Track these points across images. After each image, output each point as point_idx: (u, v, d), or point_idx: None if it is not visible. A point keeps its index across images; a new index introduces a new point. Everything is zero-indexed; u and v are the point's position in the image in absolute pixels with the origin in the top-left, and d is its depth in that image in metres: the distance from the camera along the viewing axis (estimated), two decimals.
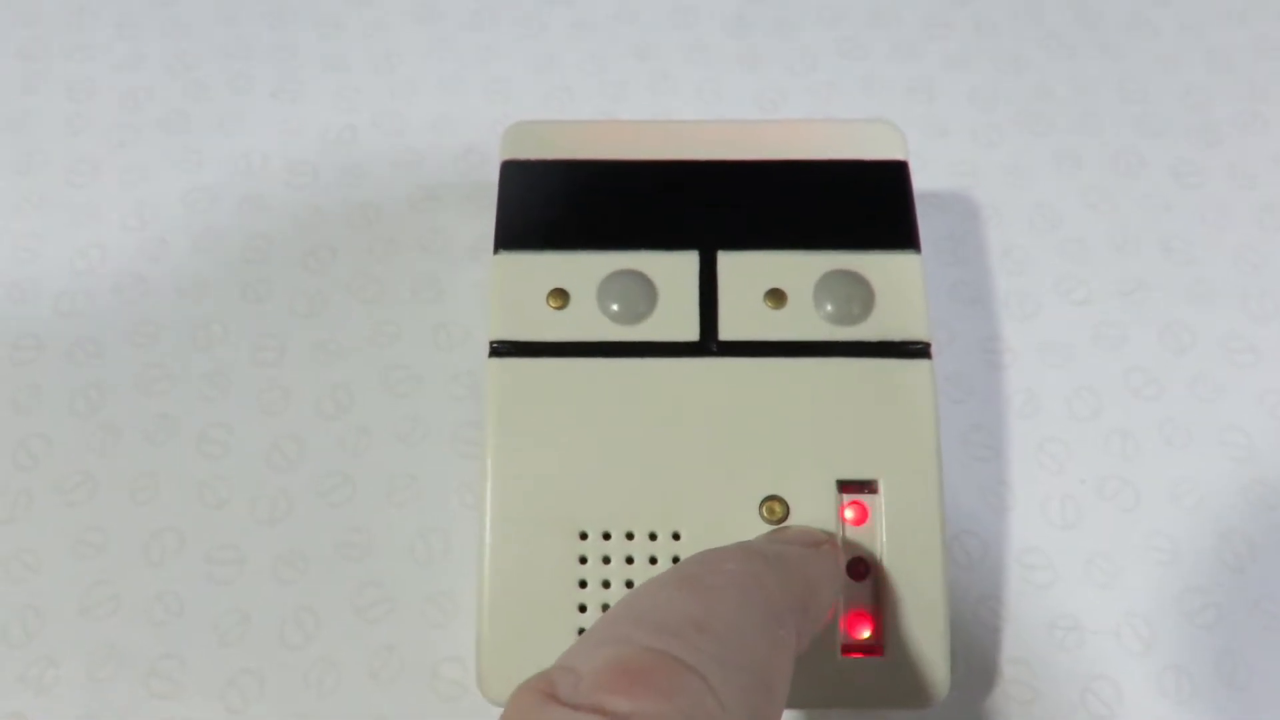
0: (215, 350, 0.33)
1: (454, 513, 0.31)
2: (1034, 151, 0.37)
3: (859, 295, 0.27)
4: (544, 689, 0.18)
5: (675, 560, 0.26)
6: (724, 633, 0.19)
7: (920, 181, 0.36)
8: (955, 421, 0.32)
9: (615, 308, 0.27)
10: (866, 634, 0.26)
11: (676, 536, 0.26)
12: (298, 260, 0.34)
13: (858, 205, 0.28)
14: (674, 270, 0.28)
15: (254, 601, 0.29)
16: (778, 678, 0.20)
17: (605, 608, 0.25)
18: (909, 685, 0.25)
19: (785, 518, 0.26)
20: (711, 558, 0.22)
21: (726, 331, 0.27)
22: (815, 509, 0.26)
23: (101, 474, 0.31)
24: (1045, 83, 0.38)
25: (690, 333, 0.27)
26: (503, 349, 0.27)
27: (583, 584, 0.26)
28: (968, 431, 0.32)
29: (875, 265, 0.28)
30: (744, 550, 0.23)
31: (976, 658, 0.29)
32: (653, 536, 0.26)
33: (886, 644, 0.25)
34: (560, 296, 0.28)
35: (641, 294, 0.27)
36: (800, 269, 0.28)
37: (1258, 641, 0.29)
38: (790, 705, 0.26)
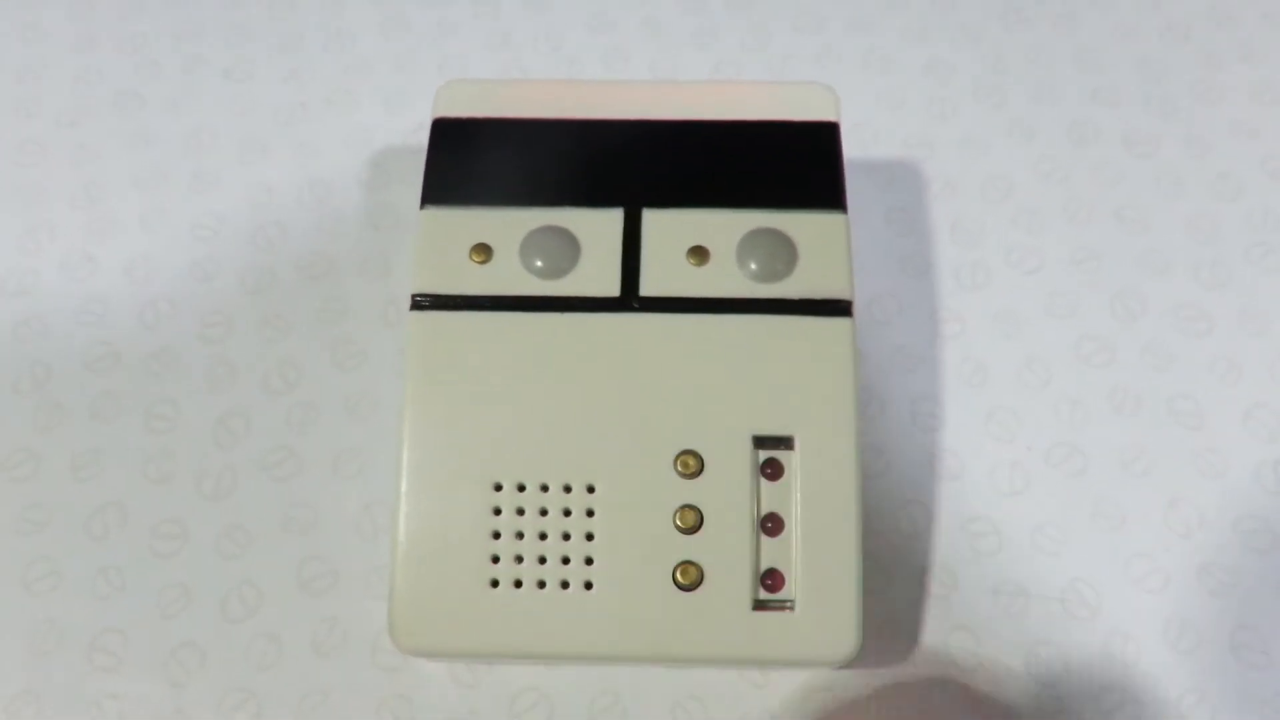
0: (162, 327, 0.33)
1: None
2: (988, 123, 0.37)
3: (782, 253, 0.27)
4: None
5: (589, 513, 0.26)
6: None
7: (873, 153, 0.36)
8: (904, 391, 0.32)
9: (538, 263, 0.27)
10: (778, 590, 0.26)
11: (591, 489, 0.26)
12: (246, 237, 0.34)
13: (786, 165, 0.28)
14: (598, 227, 0.28)
15: (196, 575, 0.29)
16: None
17: (518, 559, 0.26)
18: (819, 641, 0.25)
19: (699, 472, 0.26)
20: None
21: (648, 287, 0.27)
22: (730, 464, 0.26)
23: (45, 451, 0.31)
24: (1001, 54, 0.38)
25: (611, 288, 0.27)
26: (424, 302, 0.27)
27: (496, 535, 0.26)
28: (916, 401, 0.32)
29: (800, 224, 0.28)
30: None
31: (921, 624, 0.29)
32: (567, 489, 0.26)
33: (798, 600, 0.25)
34: (483, 251, 0.28)
35: (564, 250, 0.27)
36: (724, 227, 0.28)
37: (1204, 607, 0.29)
38: (701, 660, 0.26)
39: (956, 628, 0.29)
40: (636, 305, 0.27)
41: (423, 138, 0.36)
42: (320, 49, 0.38)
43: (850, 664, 0.26)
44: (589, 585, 0.25)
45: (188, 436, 0.31)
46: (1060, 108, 0.37)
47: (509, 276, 0.27)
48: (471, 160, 0.29)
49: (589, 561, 0.26)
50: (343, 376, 0.32)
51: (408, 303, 0.33)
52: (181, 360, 0.32)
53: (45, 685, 0.28)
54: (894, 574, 0.29)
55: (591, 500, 0.26)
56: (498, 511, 0.26)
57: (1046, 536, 0.30)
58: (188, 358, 0.32)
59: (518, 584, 0.25)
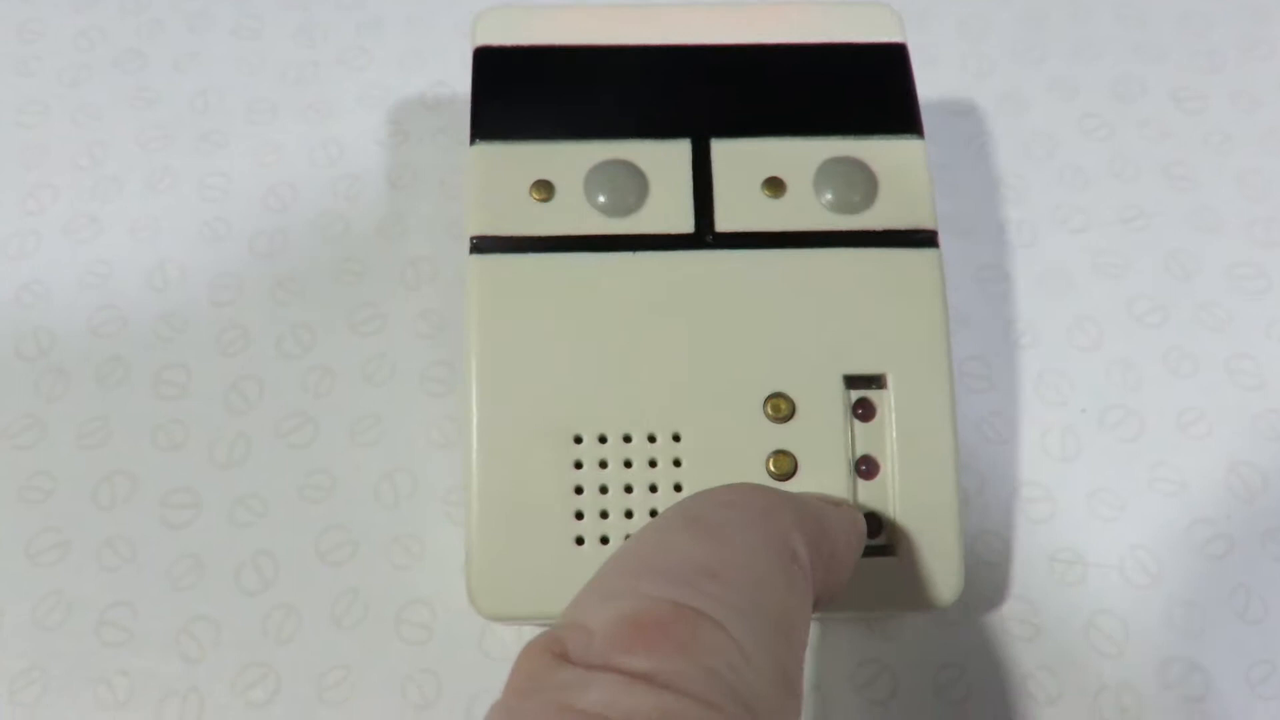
0: (170, 290, 0.31)
1: (421, 453, 0.29)
2: (1029, 80, 0.35)
3: (861, 182, 0.26)
4: (553, 648, 0.17)
5: (676, 463, 0.24)
6: (739, 577, 0.18)
7: None
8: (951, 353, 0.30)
9: (603, 199, 0.26)
10: (876, 535, 0.24)
11: (677, 438, 0.24)
12: (257, 198, 0.33)
13: (856, 89, 0.27)
14: (665, 159, 0.26)
15: (210, 546, 0.28)
16: (797, 619, 0.19)
17: (604, 515, 0.24)
18: (921, 585, 0.24)
19: (791, 416, 0.24)
20: (715, 492, 0.20)
21: (723, 222, 0.26)
22: (822, 406, 0.24)
23: (49, 418, 0.29)
24: (1039, 9, 0.37)
25: (685, 224, 0.26)
26: (484, 245, 0.25)
27: (579, 490, 0.24)
28: (963, 363, 0.30)
29: (877, 151, 0.26)
30: (751, 485, 0.21)
31: (974, 595, 0.27)
32: (651, 439, 0.24)
33: (898, 544, 0.24)
34: (544, 189, 0.26)
35: (631, 184, 0.26)
36: (799, 156, 0.26)
37: (1271, 574, 0.28)
38: None
39: (1012, 597, 0.27)
40: (712, 241, 0.26)
41: (441, 95, 0.35)
42: (331, 4, 0.37)
43: (948, 607, 0.25)
44: None
45: (199, 403, 0.30)
46: (1102, 63, 0.36)
47: (574, 214, 0.26)
48: (523, 91, 0.27)
49: None
50: (360, 341, 0.31)
51: (426, 264, 0.32)
52: (191, 324, 0.31)
53: (51, 661, 0.26)
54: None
55: (678, 450, 0.24)
56: (579, 465, 0.24)
57: (1102, 502, 0.28)
58: (197, 322, 0.31)
59: (604, 541, 0.24)
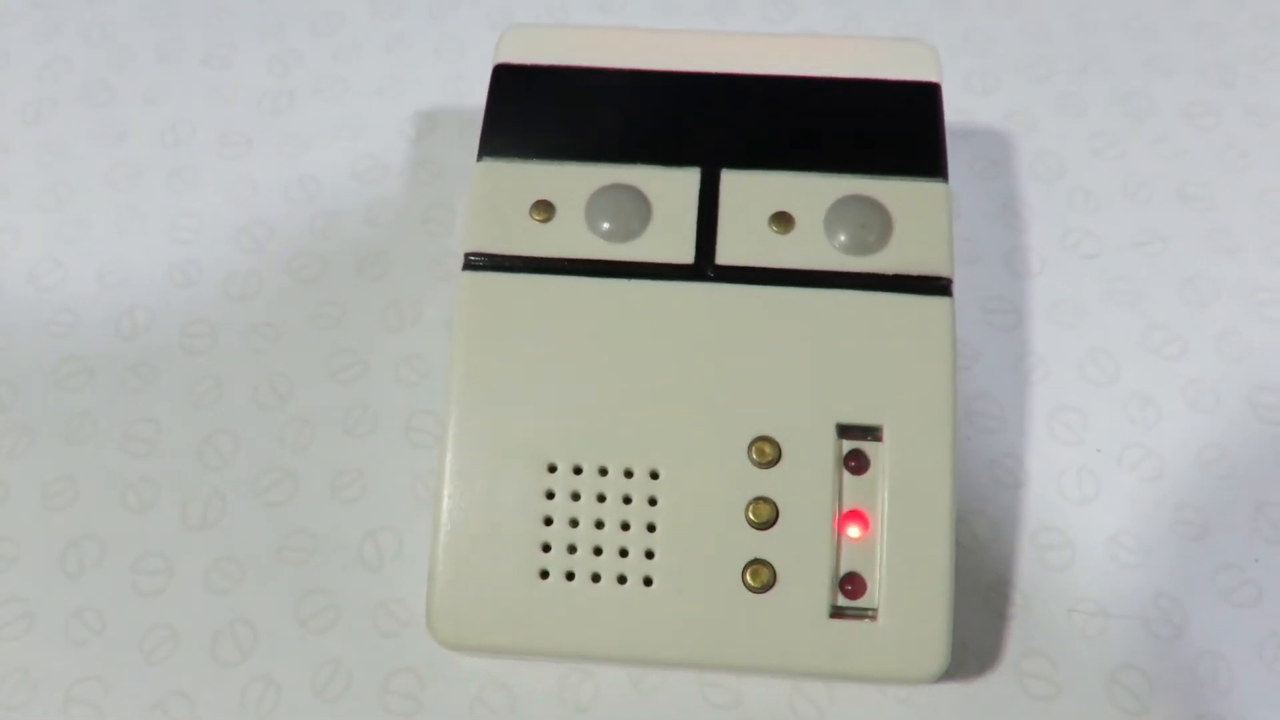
0: (140, 338, 0.30)
1: (407, 510, 0.28)
2: (1034, 96, 0.34)
3: (875, 223, 0.25)
4: None
5: (652, 502, 0.23)
6: None
7: None
8: (959, 390, 0.29)
9: (604, 224, 0.25)
10: (859, 596, 0.23)
11: (655, 475, 0.23)
12: (230, 238, 0.31)
13: (881, 128, 0.26)
14: (672, 187, 0.25)
15: (184, 615, 0.26)
16: None
17: (571, 549, 0.23)
18: (903, 655, 0.22)
19: (777, 461, 0.23)
20: None
21: (725, 255, 0.25)
22: (811, 454, 0.23)
23: (12, 478, 0.28)
24: (1044, 22, 0.35)
25: (685, 255, 0.25)
26: (478, 262, 0.25)
27: (548, 521, 0.23)
28: (972, 401, 0.29)
29: (896, 192, 0.25)
30: None
31: (989, 650, 0.26)
32: (628, 474, 0.23)
33: (881, 608, 0.23)
34: (545, 209, 0.25)
35: (634, 210, 0.25)
36: (812, 192, 0.25)
37: None
38: (769, 670, 0.23)
39: (1030, 652, 0.26)
40: (712, 274, 0.25)
41: (421, 126, 0.33)
42: (306, 31, 0.35)
43: (935, 680, 0.23)
44: (648, 581, 0.23)
45: (171, 459, 0.28)
46: (1111, 78, 0.34)
47: (572, 237, 0.25)
48: (535, 110, 0.26)
49: (649, 555, 0.23)
50: (340, 389, 0.29)
51: (409, 305, 0.30)
52: (162, 374, 0.29)
53: None
54: (957, 592, 0.26)
55: (655, 487, 0.23)
56: (551, 495, 0.23)
57: (1123, 548, 0.27)
58: (169, 371, 0.29)
59: (570, 576, 0.23)
